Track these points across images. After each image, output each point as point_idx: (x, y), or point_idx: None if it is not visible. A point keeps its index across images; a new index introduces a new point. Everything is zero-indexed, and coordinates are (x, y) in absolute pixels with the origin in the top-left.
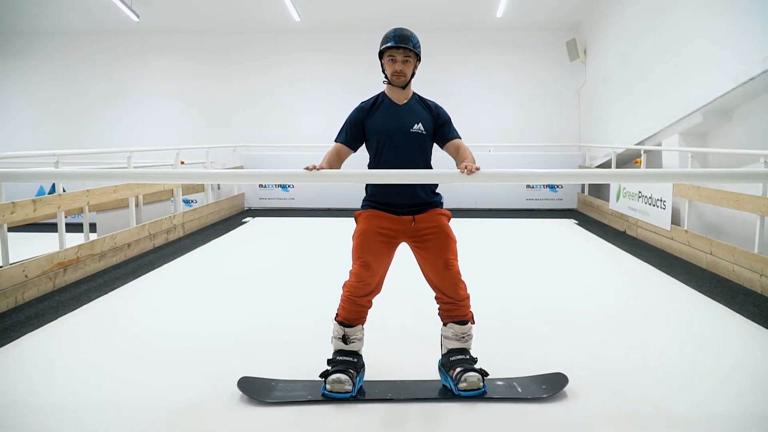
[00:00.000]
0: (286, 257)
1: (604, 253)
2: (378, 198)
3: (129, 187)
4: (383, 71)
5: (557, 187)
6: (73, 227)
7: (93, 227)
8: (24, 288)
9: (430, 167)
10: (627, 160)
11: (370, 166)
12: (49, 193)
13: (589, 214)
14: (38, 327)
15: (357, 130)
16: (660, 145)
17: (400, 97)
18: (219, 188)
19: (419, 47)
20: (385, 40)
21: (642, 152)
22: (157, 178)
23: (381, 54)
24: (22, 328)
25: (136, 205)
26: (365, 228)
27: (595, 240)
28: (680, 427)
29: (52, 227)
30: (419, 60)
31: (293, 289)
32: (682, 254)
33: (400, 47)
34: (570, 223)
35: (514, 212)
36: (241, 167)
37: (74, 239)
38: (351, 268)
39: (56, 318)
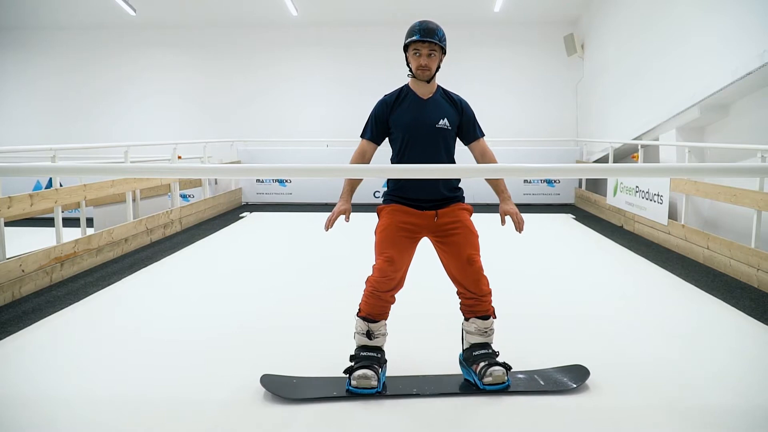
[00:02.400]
0: (284, 252)
1: (601, 248)
2: (400, 193)
3: (126, 182)
4: (407, 64)
5: (554, 181)
6: (70, 222)
7: (90, 222)
8: (21, 283)
9: (454, 162)
10: (624, 154)
11: (393, 160)
12: (46, 188)
13: (587, 209)
14: (35, 322)
15: (382, 125)
16: (657, 139)
17: (424, 91)
18: (216, 183)
19: (445, 40)
20: (410, 33)
21: (639, 147)
22: (154, 172)
23: (405, 47)
24: (19, 323)
25: (133, 200)
26: (388, 223)
27: (593, 235)
28: (677, 422)
29: (49, 222)
30: (444, 53)
31: (292, 284)
32: (679, 249)
33: (426, 41)
34: (567, 218)
35: None
36: (239, 162)
37: (71, 234)
38: (374, 263)
39: (53, 313)
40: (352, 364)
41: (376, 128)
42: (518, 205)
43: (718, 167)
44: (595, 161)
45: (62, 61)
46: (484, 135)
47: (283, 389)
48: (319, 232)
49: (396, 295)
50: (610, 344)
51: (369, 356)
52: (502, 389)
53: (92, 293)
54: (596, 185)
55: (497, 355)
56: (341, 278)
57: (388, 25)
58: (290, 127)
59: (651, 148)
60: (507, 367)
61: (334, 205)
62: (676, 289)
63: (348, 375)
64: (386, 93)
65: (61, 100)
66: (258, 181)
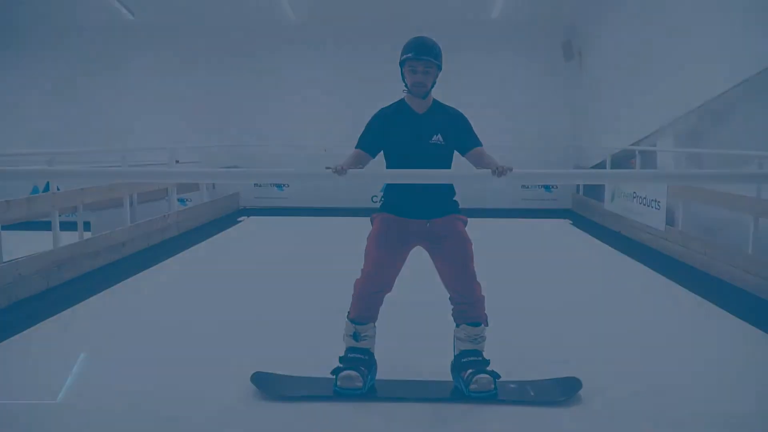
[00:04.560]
0: (281, 256)
1: (599, 254)
2: (392, 209)
3: (123, 186)
4: (403, 80)
5: (552, 187)
6: (68, 226)
7: (87, 226)
8: (18, 287)
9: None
10: (622, 160)
11: None
12: (44, 192)
13: (584, 215)
14: (32, 326)
15: (378, 137)
16: (655, 145)
17: (420, 107)
18: (214, 187)
19: (440, 57)
20: (406, 50)
21: (637, 153)
22: (152, 176)
23: (401, 63)
24: (16, 327)
25: (131, 204)
26: (379, 228)
27: (590, 240)
28: (675, 428)
29: (46, 226)
30: (440, 69)
31: (290, 286)
32: (676, 255)
33: (422, 59)
34: (565, 224)
35: (509, 212)
36: (237, 166)
37: (68, 238)
38: (362, 267)
39: (50, 317)
40: (341, 365)
41: (373, 139)
42: (516, 210)
43: (715, 174)
44: (593, 167)
45: (60, 63)
46: (481, 145)
47: (273, 387)
48: (316, 236)
49: (389, 300)
50: (606, 350)
51: (356, 358)
52: (491, 397)
53: (89, 297)
54: (594, 191)
55: (487, 363)
56: (337, 281)
57: (385, 30)
58: (288, 131)
59: (648, 154)
60: (495, 375)
61: (331, 209)
62: (673, 295)
63: (335, 376)
64: (383, 106)
65: (58, 102)
66: (255, 185)
